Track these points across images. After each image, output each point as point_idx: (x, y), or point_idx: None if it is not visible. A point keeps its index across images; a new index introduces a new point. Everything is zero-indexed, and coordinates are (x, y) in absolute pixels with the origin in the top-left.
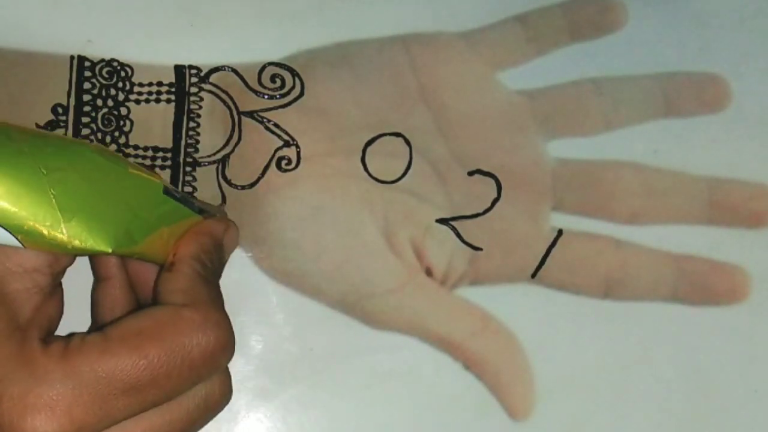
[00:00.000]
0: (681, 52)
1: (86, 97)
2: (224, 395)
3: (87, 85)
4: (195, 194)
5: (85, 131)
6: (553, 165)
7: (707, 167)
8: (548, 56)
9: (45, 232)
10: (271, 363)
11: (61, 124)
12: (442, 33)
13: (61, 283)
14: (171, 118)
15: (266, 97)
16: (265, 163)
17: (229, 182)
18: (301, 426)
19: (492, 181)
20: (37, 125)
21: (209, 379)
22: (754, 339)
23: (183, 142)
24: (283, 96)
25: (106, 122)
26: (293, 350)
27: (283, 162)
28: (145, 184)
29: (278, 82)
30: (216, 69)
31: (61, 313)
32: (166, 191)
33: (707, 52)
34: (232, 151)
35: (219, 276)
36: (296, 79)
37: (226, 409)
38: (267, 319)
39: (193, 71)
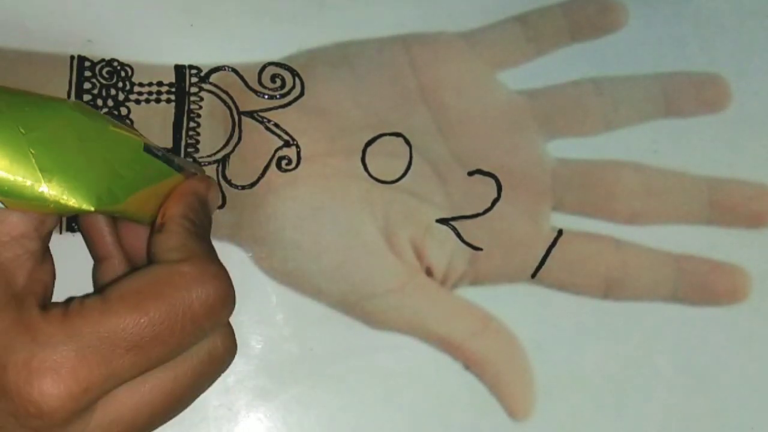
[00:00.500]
0: (681, 52)
1: (86, 97)
2: (228, 349)
3: (87, 85)
4: None
5: None
6: (553, 165)
7: (707, 167)
8: (548, 56)
9: (26, 192)
10: (271, 363)
11: None
12: (443, 33)
13: (49, 248)
14: (171, 118)
15: (266, 97)
16: (265, 163)
17: (229, 182)
18: (301, 426)
19: (492, 181)
20: None
21: (212, 333)
22: (753, 339)
23: (183, 142)
24: (283, 96)
25: None
26: (293, 350)
27: (284, 162)
28: (125, 141)
29: (278, 82)
30: (216, 69)
31: (54, 277)
32: (147, 149)
33: (707, 52)
34: (232, 151)
35: (209, 233)
36: (296, 79)
37: (226, 408)
38: (267, 319)
39: (193, 71)
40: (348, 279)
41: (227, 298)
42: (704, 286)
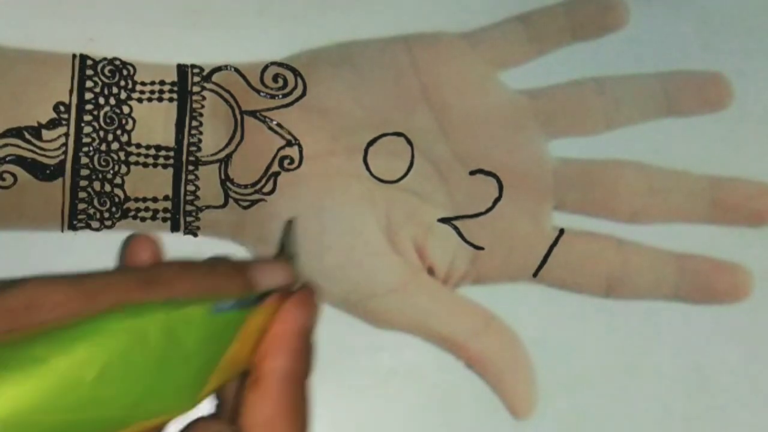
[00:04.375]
0: (683, 50)
1: (88, 96)
2: None
3: (89, 84)
4: (197, 193)
5: (87, 130)
6: (555, 164)
7: (709, 166)
8: (550, 56)
9: None
10: None
11: (63, 122)
12: (444, 33)
13: None
14: (173, 117)
15: (268, 96)
16: (267, 163)
17: (231, 182)
18: None
19: (494, 181)
20: (39, 123)
21: None
22: (755, 337)
23: (185, 141)
24: (285, 96)
25: (108, 121)
26: None
27: (286, 161)
28: (187, 318)
29: (280, 82)
30: (218, 68)
31: None
32: (217, 309)
33: (709, 51)
34: (235, 150)
35: (310, 372)
36: (298, 78)
37: None
38: None
39: (196, 70)
40: (350, 278)
41: None
42: (706, 284)
